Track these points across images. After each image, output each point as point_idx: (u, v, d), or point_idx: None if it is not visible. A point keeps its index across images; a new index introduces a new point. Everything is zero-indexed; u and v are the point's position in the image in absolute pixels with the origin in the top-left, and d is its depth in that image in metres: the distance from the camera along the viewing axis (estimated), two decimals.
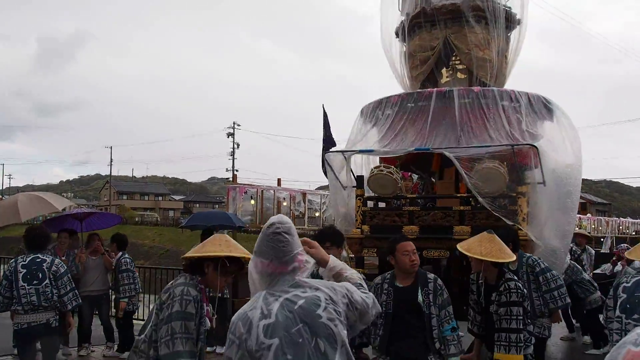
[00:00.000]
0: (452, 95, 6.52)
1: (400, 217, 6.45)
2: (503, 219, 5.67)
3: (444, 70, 7.61)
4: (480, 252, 3.76)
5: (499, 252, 3.79)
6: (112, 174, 71.36)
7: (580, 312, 7.95)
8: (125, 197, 75.62)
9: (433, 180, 7.81)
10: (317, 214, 11.04)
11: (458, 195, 6.50)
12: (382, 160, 7.34)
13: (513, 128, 6.26)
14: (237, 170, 52.51)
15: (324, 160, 6.91)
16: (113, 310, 7.88)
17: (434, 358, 3.80)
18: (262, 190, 10.04)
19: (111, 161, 67.24)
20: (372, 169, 6.57)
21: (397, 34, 8.05)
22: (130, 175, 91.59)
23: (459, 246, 3.96)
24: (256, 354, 2.00)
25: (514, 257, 3.94)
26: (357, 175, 6.77)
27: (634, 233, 36.81)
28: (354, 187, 6.81)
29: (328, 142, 7.18)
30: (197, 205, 77.50)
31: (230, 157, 52.17)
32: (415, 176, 7.88)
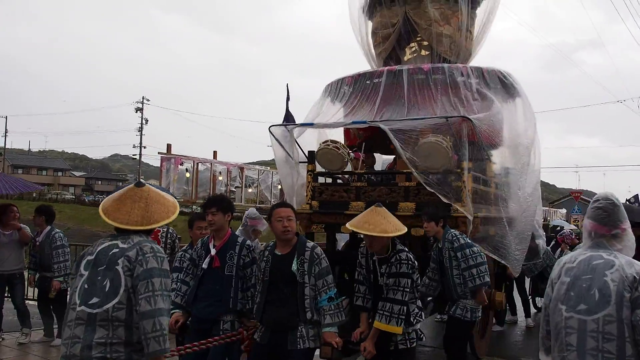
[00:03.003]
0: (402, 73, 6.73)
1: (347, 193, 6.62)
2: (439, 195, 5.78)
3: (407, 48, 7.77)
4: (368, 228, 3.86)
5: (388, 225, 3.87)
6: (6, 147, 67.24)
7: None
8: (20, 171, 70.20)
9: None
10: (249, 190, 11.07)
11: (404, 171, 6.48)
12: (346, 139, 7.62)
13: (461, 104, 6.44)
14: (144, 147, 51.61)
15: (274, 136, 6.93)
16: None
17: (305, 328, 3.85)
18: (197, 163, 9.86)
19: (6, 132, 61.65)
20: (320, 144, 6.73)
21: (363, 11, 8.12)
22: (27, 149, 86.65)
23: (348, 225, 4.07)
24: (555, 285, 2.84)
25: (403, 230, 3.94)
26: (309, 151, 6.90)
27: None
28: (303, 162, 7.00)
29: (289, 119, 7.28)
30: (99, 182, 75.16)
31: (138, 133, 51.39)
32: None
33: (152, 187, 3.08)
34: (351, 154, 7.02)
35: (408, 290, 3.88)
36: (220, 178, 10.32)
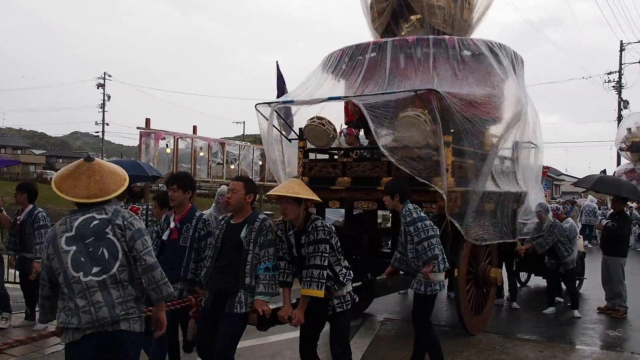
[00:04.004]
0: (386, 46, 6.72)
1: (334, 169, 6.79)
2: (409, 172, 5.86)
3: (403, 23, 7.70)
4: (281, 190, 4.08)
5: (301, 189, 4.09)
6: None
7: (557, 274, 8.32)
8: None
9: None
10: (232, 166, 11.09)
11: (385, 146, 6.28)
12: (345, 115, 7.67)
13: (445, 76, 6.38)
14: (107, 124, 50.91)
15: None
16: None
17: (244, 294, 4.07)
18: (177, 138, 9.77)
19: None
20: (307, 121, 6.86)
21: None
22: None
23: (269, 192, 4.30)
24: None
25: (316, 198, 4.15)
26: (300, 128, 7.09)
27: None
28: (294, 139, 7.20)
29: (282, 95, 7.54)
30: (61, 160, 73.43)
31: (100, 110, 50.70)
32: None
33: (100, 161, 3.30)
34: (344, 129, 7.25)
35: (327, 254, 4.02)
36: (202, 154, 10.30)
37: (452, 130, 6.12)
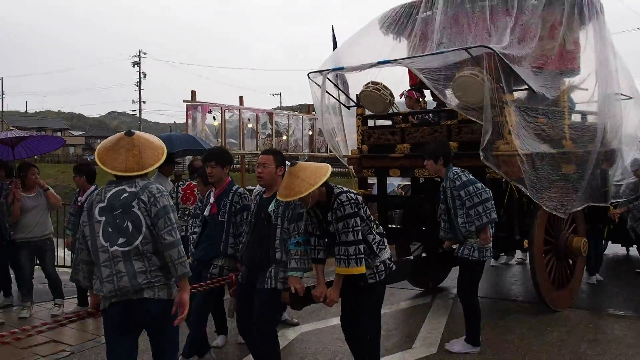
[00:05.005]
0: (438, 1, 6.37)
1: (393, 135, 6.65)
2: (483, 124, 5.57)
3: None
4: (285, 194, 3.77)
5: (302, 183, 3.73)
6: (3, 109, 66.31)
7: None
8: None
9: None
10: (284, 137, 10.97)
11: (445, 108, 6.34)
12: (410, 79, 7.38)
13: (500, 30, 6.00)
14: (144, 102, 51.31)
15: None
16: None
17: (275, 268, 4.07)
18: (224, 110, 9.65)
19: (2, 94, 60.43)
20: (362, 87, 6.73)
21: None
22: (23, 110, 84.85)
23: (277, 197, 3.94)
24: None
25: (320, 181, 3.74)
26: (357, 95, 6.97)
27: None
28: (354, 106, 7.11)
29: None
30: (99, 140, 75.06)
31: (136, 89, 50.76)
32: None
33: (141, 134, 3.38)
34: (405, 92, 7.07)
35: (358, 228, 3.82)
36: (250, 125, 10.19)
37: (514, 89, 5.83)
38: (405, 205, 7.58)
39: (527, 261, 7.69)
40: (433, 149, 5.16)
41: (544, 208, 5.93)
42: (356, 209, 3.85)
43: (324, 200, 3.88)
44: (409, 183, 8.82)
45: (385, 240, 4.10)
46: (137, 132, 3.40)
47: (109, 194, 3.24)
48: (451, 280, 7.66)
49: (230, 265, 4.68)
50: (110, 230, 3.17)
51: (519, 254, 9.15)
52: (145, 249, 3.16)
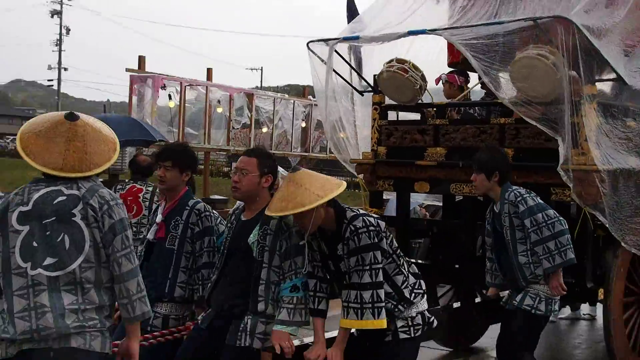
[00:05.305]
0: None
1: (422, 135, 6.51)
2: (547, 130, 5.56)
3: None
4: (281, 207, 3.74)
5: (305, 193, 3.71)
6: None
7: None
8: None
9: None
10: (264, 129, 10.56)
11: (499, 101, 6.18)
12: (449, 55, 7.39)
13: None
14: (65, 69, 49.33)
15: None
16: None
17: (252, 320, 3.94)
18: (185, 86, 9.29)
19: None
20: (384, 65, 6.59)
21: None
22: None
23: (266, 211, 3.97)
24: None
25: (334, 192, 3.74)
26: (374, 76, 6.85)
27: None
28: (369, 91, 7.05)
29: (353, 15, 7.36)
30: None
31: (55, 49, 49.15)
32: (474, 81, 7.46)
33: (87, 119, 3.26)
34: (444, 75, 7.03)
35: (379, 265, 3.76)
36: (220, 110, 9.75)
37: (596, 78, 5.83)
38: (432, 232, 7.50)
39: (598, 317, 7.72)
40: (487, 159, 5.08)
41: (623, 244, 5.88)
42: (376, 239, 3.79)
43: (332, 226, 3.83)
44: (437, 202, 8.83)
45: (423, 284, 4.06)
46: (82, 115, 3.28)
47: (36, 195, 3.08)
48: (490, 338, 7.44)
49: (179, 313, 4.51)
50: (34, 245, 3.01)
51: (585, 308, 9.17)
52: (83, 277, 3.03)
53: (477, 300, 6.58)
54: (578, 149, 5.60)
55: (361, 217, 3.81)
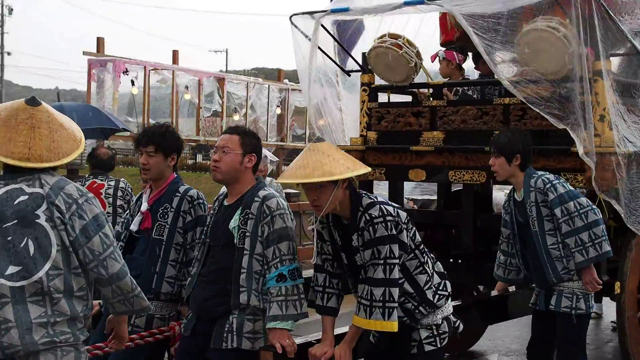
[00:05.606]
0: None
1: (417, 118, 6.34)
2: (549, 118, 5.44)
3: None
4: (304, 174, 3.58)
5: (335, 163, 3.58)
6: None
7: None
8: None
9: None
10: (236, 117, 10.31)
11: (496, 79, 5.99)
12: (442, 32, 7.27)
13: None
14: (9, 53, 48.19)
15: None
16: None
17: (238, 317, 3.79)
18: (149, 71, 9.06)
19: None
20: (374, 41, 6.41)
21: None
22: None
23: (280, 178, 4.01)
24: None
25: (362, 169, 3.69)
26: (362, 54, 6.69)
27: None
28: (357, 71, 6.83)
29: None
30: None
31: None
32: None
33: (49, 106, 3.14)
34: (441, 53, 6.87)
35: (395, 260, 3.58)
36: (187, 96, 9.46)
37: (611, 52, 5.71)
38: (428, 225, 7.30)
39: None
40: (506, 140, 4.82)
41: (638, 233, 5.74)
42: (394, 231, 3.60)
43: (347, 213, 3.68)
44: (426, 196, 8.72)
45: (448, 285, 3.90)
46: (44, 103, 3.14)
47: None
48: (489, 340, 7.69)
49: (165, 312, 4.32)
50: None
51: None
52: (51, 286, 2.86)
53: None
54: (587, 130, 5.47)
55: (378, 205, 3.62)
